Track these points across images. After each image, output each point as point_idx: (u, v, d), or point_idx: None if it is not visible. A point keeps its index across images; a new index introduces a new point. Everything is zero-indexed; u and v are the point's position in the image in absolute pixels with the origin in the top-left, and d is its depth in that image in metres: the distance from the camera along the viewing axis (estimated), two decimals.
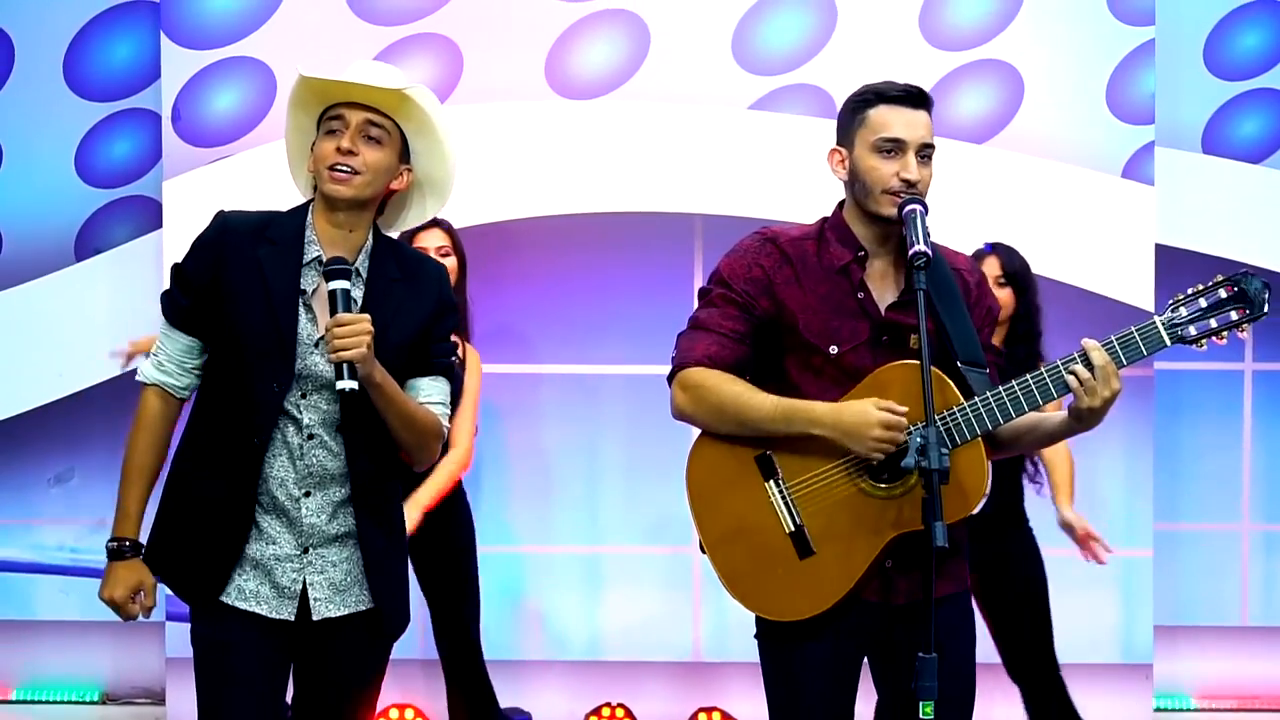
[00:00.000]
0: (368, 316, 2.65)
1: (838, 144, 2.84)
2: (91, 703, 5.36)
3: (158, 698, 5.19)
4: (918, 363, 2.66)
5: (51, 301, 5.15)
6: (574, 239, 4.89)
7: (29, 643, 5.33)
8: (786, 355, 2.81)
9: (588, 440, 4.95)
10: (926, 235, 2.66)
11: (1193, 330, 2.66)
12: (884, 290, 2.81)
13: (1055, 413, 2.82)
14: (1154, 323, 2.66)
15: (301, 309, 2.73)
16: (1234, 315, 2.65)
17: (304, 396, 2.73)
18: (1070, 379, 2.66)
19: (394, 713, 4.91)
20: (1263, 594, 5.31)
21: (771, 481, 2.78)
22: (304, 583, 2.76)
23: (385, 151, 2.74)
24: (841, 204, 2.88)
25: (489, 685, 4.39)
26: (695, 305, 2.89)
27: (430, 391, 2.86)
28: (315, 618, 2.76)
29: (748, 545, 2.79)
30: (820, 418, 2.70)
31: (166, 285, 2.83)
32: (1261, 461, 5.31)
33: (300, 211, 2.81)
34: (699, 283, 4.85)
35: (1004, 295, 4.17)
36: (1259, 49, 5.20)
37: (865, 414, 2.66)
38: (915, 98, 2.78)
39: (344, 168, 2.69)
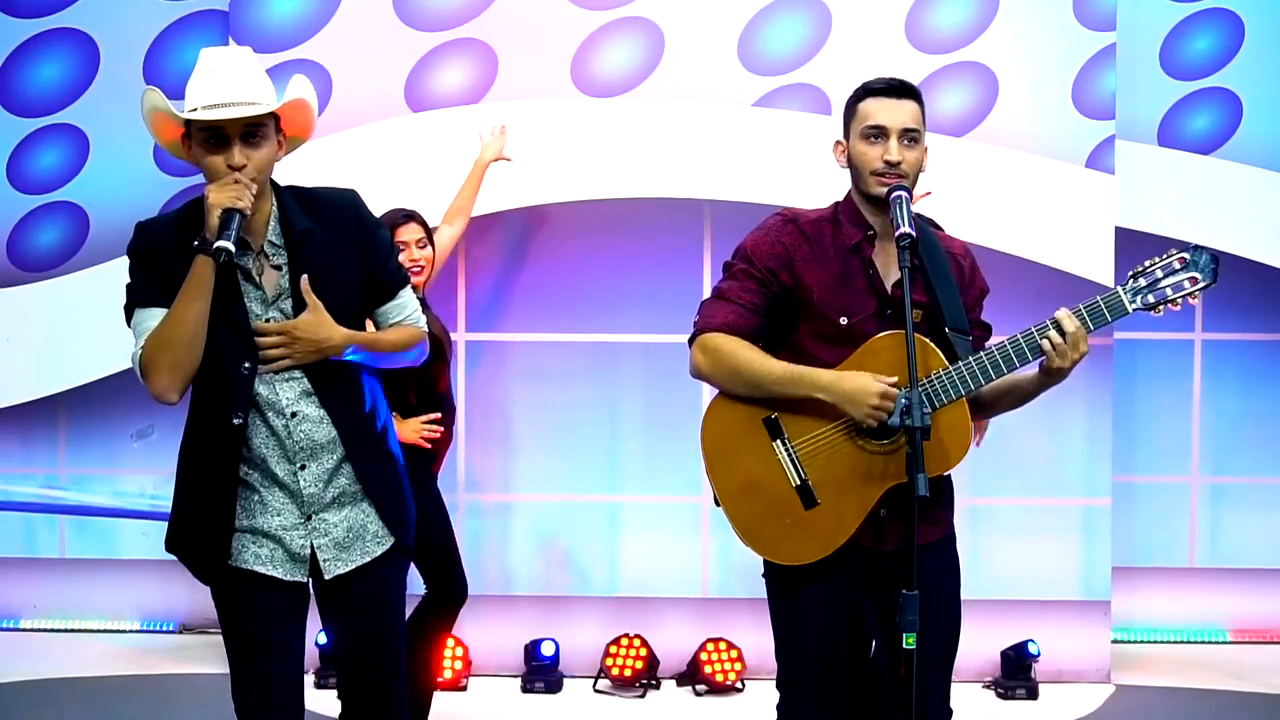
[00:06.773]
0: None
1: (840, 138, 2.96)
2: (170, 632, 5.63)
3: None
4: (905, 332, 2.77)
5: None
6: (597, 222, 5.05)
7: (114, 578, 5.59)
8: (801, 324, 2.91)
9: (609, 401, 5.08)
10: (910, 218, 2.75)
11: (1151, 298, 2.76)
12: (888, 268, 2.89)
13: (1030, 374, 2.88)
14: (1117, 292, 2.78)
15: (246, 291, 2.79)
16: (1187, 285, 2.75)
17: (275, 374, 2.81)
18: (1044, 343, 2.77)
19: None
20: (1208, 539, 5.55)
21: (778, 441, 2.87)
22: (311, 546, 2.85)
23: (268, 145, 2.78)
24: (850, 191, 3.00)
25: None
26: (719, 276, 2.97)
27: (397, 312, 2.95)
28: (327, 577, 2.86)
29: (758, 498, 2.88)
30: (826, 384, 2.81)
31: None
32: (1209, 421, 5.52)
33: (200, 203, 2.76)
34: (708, 261, 5.05)
35: None
36: (1209, 52, 5.43)
37: (867, 384, 2.78)
38: (898, 89, 2.88)
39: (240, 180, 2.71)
